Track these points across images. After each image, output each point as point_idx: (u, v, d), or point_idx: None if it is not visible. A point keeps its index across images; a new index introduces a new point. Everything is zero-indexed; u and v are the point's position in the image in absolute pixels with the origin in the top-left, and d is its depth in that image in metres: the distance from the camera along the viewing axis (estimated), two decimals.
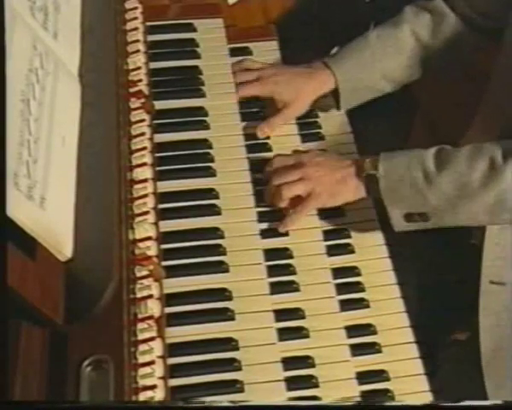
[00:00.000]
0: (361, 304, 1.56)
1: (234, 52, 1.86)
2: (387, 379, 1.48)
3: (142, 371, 1.27)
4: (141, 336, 1.30)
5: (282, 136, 1.76)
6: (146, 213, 1.45)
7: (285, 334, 1.49)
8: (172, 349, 1.40)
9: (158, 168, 1.57)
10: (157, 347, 1.31)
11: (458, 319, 1.75)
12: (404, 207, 1.54)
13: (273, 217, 1.63)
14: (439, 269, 1.77)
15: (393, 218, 1.55)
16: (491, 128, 1.63)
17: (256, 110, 1.80)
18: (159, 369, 1.29)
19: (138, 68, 1.66)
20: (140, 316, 1.32)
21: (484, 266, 1.60)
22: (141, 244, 1.40)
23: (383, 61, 1.78)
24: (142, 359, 1.28)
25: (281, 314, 1.51)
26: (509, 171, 1.48)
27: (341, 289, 1.57)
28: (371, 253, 1.62)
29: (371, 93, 1.81)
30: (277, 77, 1.78)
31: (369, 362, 1.50)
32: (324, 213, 1.65)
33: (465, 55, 1.84)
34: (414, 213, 1.53)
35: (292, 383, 1.43)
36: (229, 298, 1.50)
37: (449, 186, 1.51)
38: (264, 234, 1.60)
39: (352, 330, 1.52)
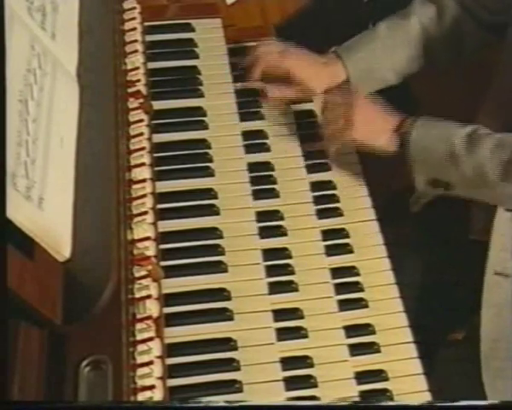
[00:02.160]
0: (359, 304, 1.56)
1: (232, 52, 1.86)
2: (386, 379, 1.48)
3: (140, 371, 1.27)
4: (139, 337, 1.30)
5: (282, 136, 1.76)
6: (144, 213, 1.45)
7: (284, 334, 1.49)
8: (171, 349, 1.41)
9: (156, 168, 1.57)
10: (155, 347, 1.31)
11: (456, 318, 1.75)
12: (427, 173, 1.59)
13: (272, 217, 1.63)
14: (438, 269, 1.77)
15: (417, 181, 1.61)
16: (494, 125, 1.63)
17: (255, 110, 1.79)
18: (157, 369, 1.29)
19: (136, 68, 1.66)
20: (138, 316, 1.32)
21: (490, 257, 1.61)
22: (139, 244, 1.40)
23: (393, 52, 1.79)
24: (140, 359, 1.28)
25: (279, 314, 1.51)
26: None
27: (340, 288, 1.57)
28: (370, 253, 1.62)
29: (377, 84, 1.81)
30: (299, 55, 1.79)
31: (367, 362, 1.50)
32: (323, 213, 1.65)
33: (469, 50, 1.83)
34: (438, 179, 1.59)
35: (290, 383, 1.43)
36: (228, 298, 1.50)
37: (470, 172, 1.54)
38: (263, 234, 1.60)
39: (351, 330, 1.52)
